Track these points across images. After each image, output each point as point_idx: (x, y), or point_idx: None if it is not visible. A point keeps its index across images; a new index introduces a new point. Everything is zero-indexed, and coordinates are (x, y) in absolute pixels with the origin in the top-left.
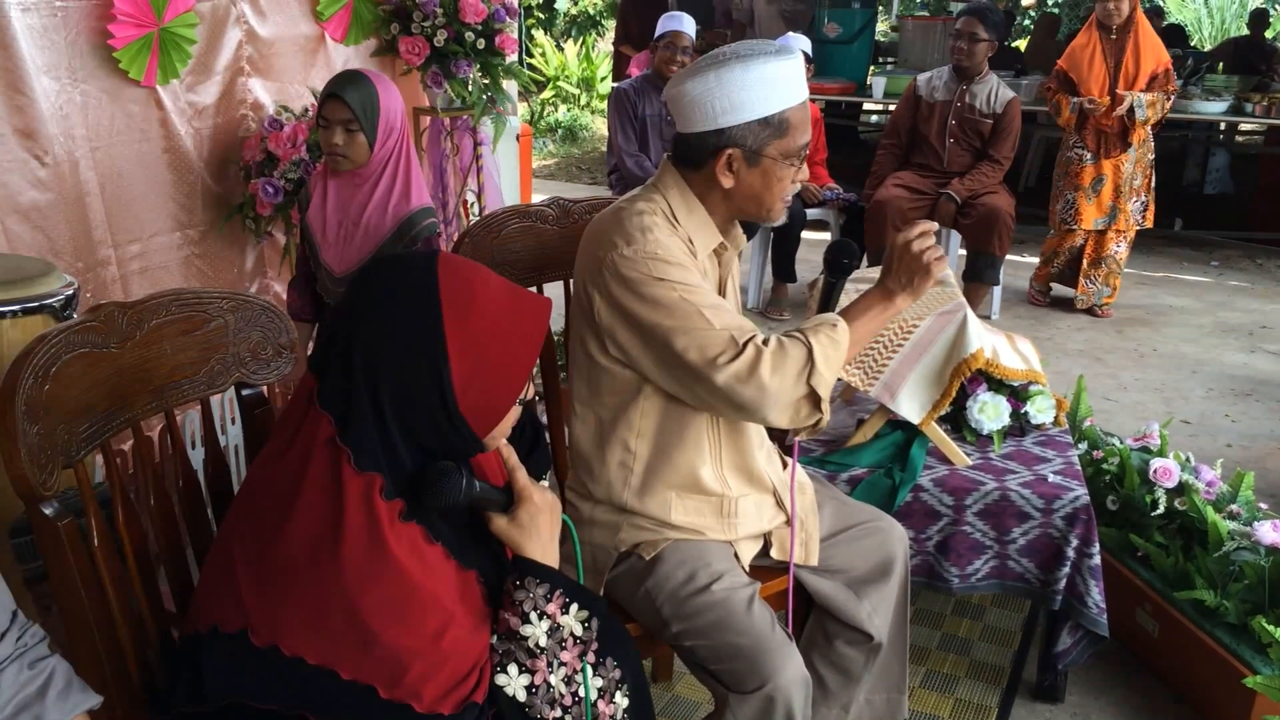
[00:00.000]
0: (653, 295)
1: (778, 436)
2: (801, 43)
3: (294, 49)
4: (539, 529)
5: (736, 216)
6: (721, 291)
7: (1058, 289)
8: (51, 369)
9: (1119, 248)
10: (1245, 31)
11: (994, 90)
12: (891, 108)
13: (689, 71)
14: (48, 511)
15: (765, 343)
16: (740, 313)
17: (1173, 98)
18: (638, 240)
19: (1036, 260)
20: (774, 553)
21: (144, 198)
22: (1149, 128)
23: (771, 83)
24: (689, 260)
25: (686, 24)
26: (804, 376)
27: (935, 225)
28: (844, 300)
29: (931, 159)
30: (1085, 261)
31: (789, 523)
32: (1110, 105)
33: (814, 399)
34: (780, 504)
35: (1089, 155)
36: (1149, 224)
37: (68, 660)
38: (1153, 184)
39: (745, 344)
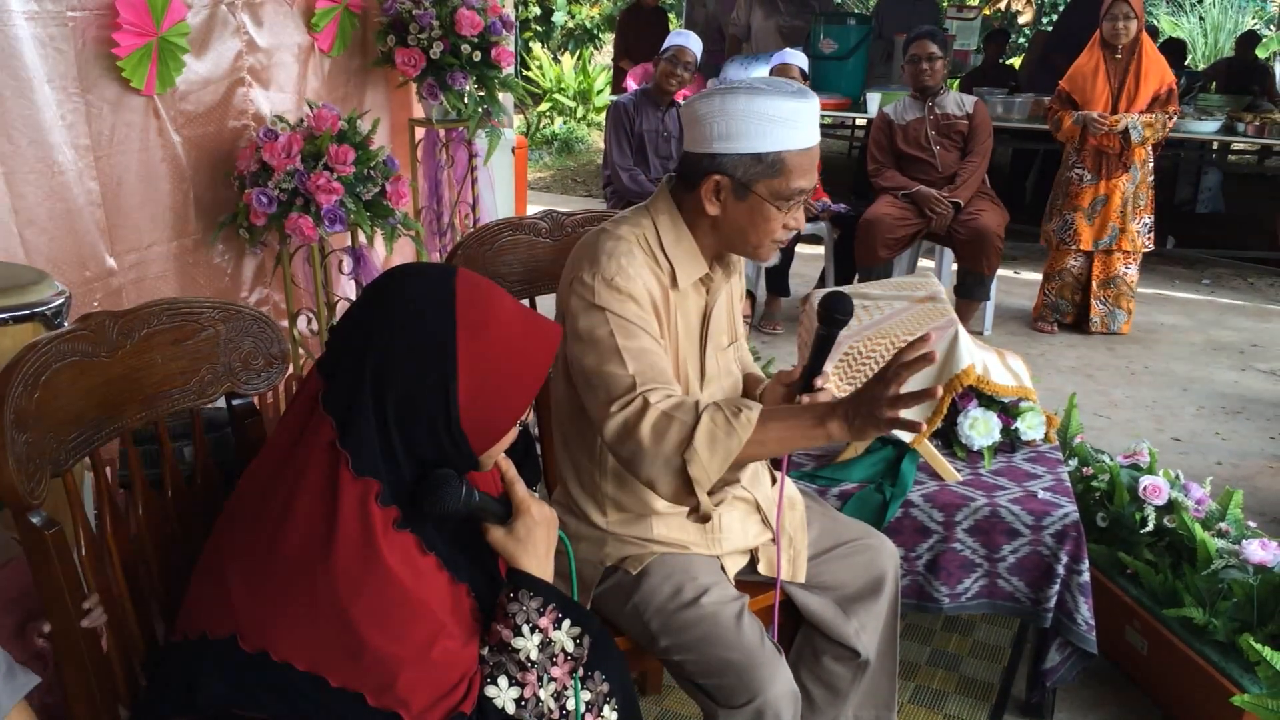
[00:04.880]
0: (587, 325)
1: None
2: (798, 59)
3: (291, 59)
4: (535, 542)
5: (725, 250)
6: (707, 318)
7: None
8: (41, 377)
9: (1128, 269)
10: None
11: (958, 98)
12: None
13: (704, 91)
14: (35, 520)
15: (665, 400)
16: (740, 336)
17: (1174, 118)
18: (600, 263)
19: (1030, 276)
20: (761, 568)
21: (143, 207)
22: (1149, 148)
23: (775, 120)
24: (645, 296)
25: (692, 41)
26: (680, 450)
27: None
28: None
29: (926, 170)
30: (1095, 283)
31: (775, 539)
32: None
33: (688, 481)
34: (766, 521)
35: (1089, 176)
36: (1151, 245)
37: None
38: (1154, 204)
39: (639, 395)
